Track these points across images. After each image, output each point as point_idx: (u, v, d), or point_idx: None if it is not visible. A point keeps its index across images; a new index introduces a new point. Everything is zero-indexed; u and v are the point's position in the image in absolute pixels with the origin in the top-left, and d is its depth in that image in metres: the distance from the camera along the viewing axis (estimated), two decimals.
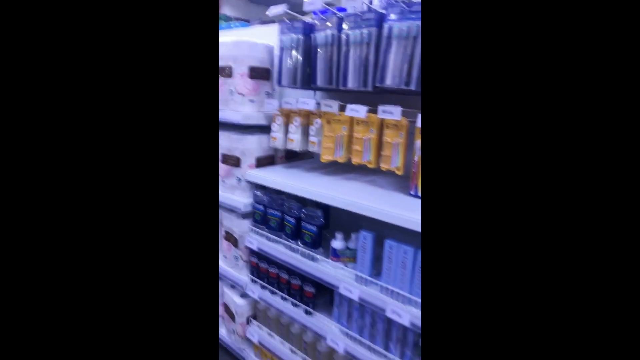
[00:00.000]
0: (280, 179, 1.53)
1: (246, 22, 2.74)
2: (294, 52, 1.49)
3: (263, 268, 1.70)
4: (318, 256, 1.45)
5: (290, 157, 1.93)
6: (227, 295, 1.95)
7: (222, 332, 2.08)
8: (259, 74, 1.62)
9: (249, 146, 1.66)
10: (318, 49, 1.41)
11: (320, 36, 1.39)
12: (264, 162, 1.75)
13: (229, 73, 1.58)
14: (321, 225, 1.44)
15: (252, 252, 1.73)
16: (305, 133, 1.57)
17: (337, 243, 1.38)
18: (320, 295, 1.57)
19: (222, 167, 1.76)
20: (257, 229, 1.67)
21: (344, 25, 1.30)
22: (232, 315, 1.94)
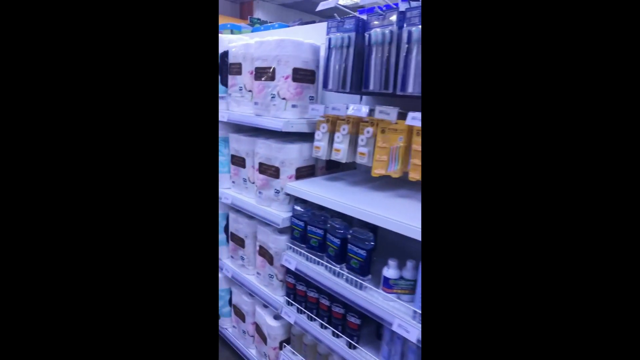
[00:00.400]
0: (325, 193, 1.36)
1: (283, 24, 2.62)
2: (343, 52, 1.33)
3: (301, 290, 1.54)
4: (367, 284, 1.27)
5: (331, 168, 1.77)
6: (260, 315, 1.81)
7: (252, 352, 1.94)
8: (303, 76, 1.47)
9: (290, 156, 1.51)
10: (373, 49, 1.24)
11: (376, 34, 1.22)
12: (304, 173, 1.59)
13: (271, 75, 1.44)
14: (371, 249, 1.26)
15: (288, 271, 1.57)
16: (353, 143, 1.40)
17: (391, 272, 1.20)
18: (365, 324, 1.39)
19: (259, 178, 1.62)
20: (295, 247, 1.51)
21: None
22: (263, 337, 1.79)
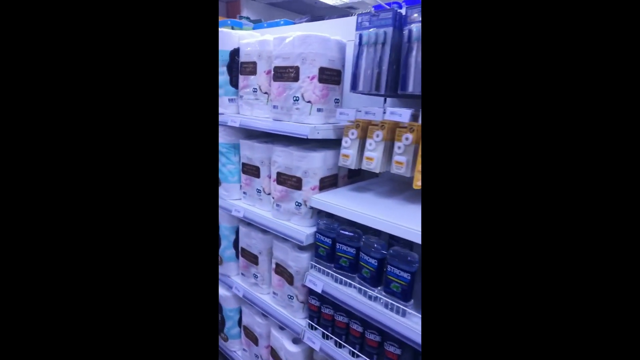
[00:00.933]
0: (356, 207, 1.22)
1: (289, 20, 2.46)
2: (378, 50, 1.19)
3: (327, 314, 1.38)
4: (410, 310, 1.13)
5: (352, 176, 1.62)
6: (276, 339, 1.65)
7: None
8: (330, 77, 1.32)
9: (313, 165, 1.35)
10: (414, 46, 1.10)
11: (419, 29, 1.08)
12: (327, 183, 1.44)
13: (294, 76, 1.29)
14: (415, 272, 1.12)
15: (312, 292, 1.42)
16: (388, 150, 1.26)
17: None
18: (404, 354, 1.25)
19: (278, 189, 1.46)
20: (321, 267, 1.36)
21: None
22: None
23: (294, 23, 2.32)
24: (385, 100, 1.58)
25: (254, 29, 2.45)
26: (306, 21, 2.31)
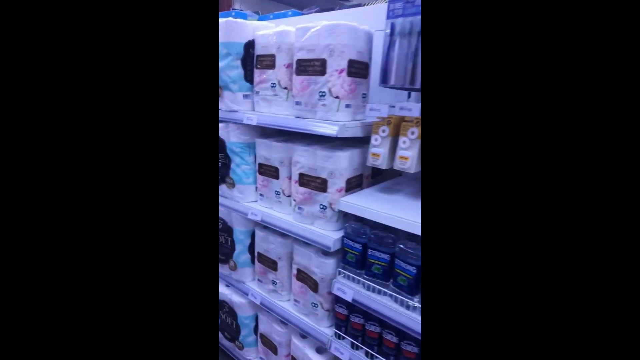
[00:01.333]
0: (389, 210, 1.13)
1: (297, 11, 2.34)
2: (412, 41, 1.09)
3: (357, 324, 1.30)
4: None
5: (375, 176, 1.54)
6: (297, 347, 1.57)
7: None
8: (358, 70, 1.22)
9: (340, 165, 1.26)
10: None
11: None
12: (353, 184, 1.36)
13: (320, 69, 1.19)
14: None
15: (338, 300, 1.34)
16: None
17: None
18: None
19: (300, 191, 1.37)
20: (349, 274, 1.28)
21: None
22: None
23: (302, 14, 2.21)
24: (409, 94, 1.50)
25: (259, 20, 2.33)
26: (316, 12, 2.20)
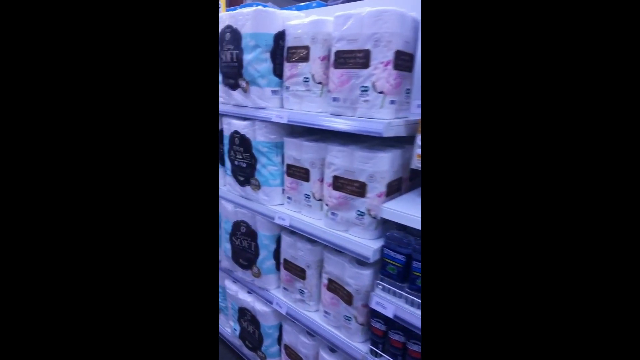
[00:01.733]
0: None
1: (322, 2, 2.22)
2: None
3: (397, 341, 1.19)
4: None
5: (413, 178, 1.42)
6: None
7: None
8: (404, 62, 1.10)
9: (381, 167, 1.15)
10: None
11: None
12: (394, 188, 1.24)
13: (363, 62, 1.07)
14: None
15: (375, 314, 1.23)
16: None
17: None
18: None
19: (334, 195, 1.26)
20: (392, 287, 1.16)
21: None
22: None
23: (326, 5, 2.09)
24: None
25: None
26: (342, 2, 2.08)
